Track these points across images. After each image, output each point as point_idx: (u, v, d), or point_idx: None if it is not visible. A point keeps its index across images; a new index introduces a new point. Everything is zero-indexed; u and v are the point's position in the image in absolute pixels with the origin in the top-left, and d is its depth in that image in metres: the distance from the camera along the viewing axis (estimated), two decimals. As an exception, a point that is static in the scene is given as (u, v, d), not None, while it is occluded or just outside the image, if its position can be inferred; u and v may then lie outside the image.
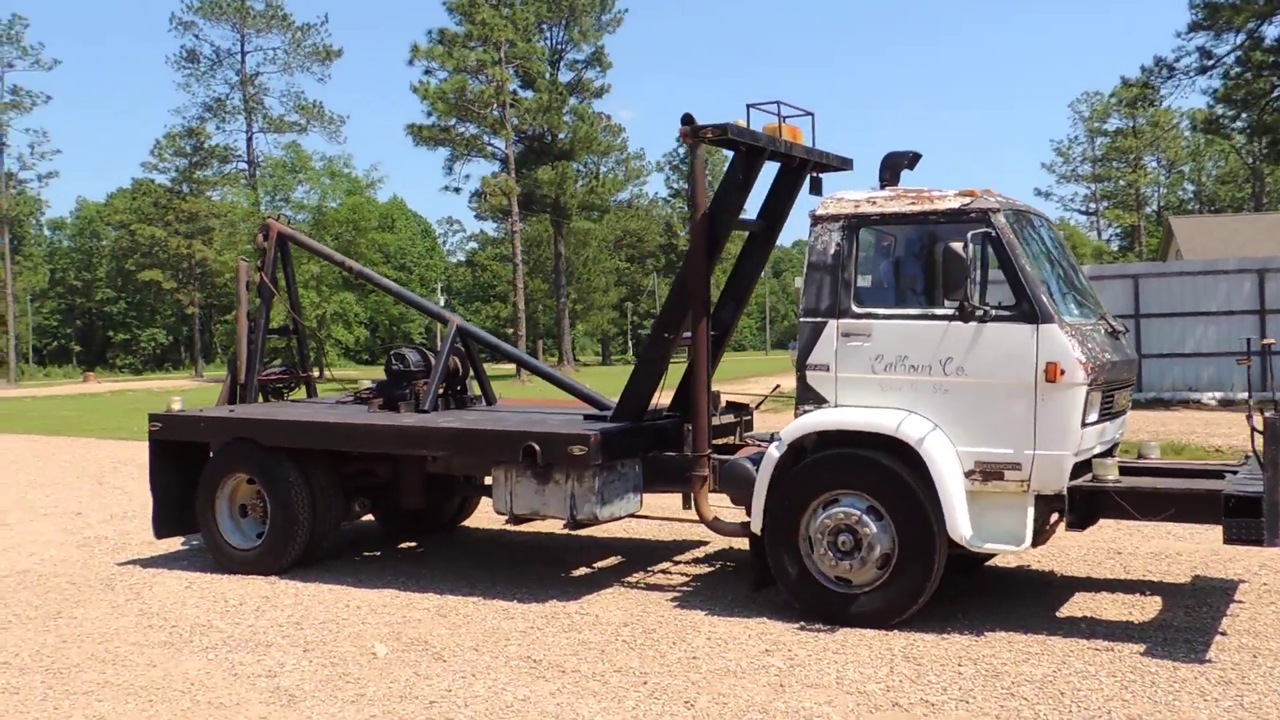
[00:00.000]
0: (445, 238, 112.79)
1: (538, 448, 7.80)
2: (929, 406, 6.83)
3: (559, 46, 56.53)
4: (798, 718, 5.46)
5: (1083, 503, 6.68)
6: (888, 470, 6.85)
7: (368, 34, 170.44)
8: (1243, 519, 6.04)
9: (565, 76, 56.69)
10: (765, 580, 7.48)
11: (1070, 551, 9.03)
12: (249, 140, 65.39)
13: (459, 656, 6.67)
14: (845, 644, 6.62)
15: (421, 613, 7.77)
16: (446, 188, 54.32)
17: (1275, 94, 31.22)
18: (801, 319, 7.27)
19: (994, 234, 6.71)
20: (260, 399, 10.39)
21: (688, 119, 7.78)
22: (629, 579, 8.67)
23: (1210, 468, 7.52)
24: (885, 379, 6.96)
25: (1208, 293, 24.76)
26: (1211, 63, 31.44)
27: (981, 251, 6.76)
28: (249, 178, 63.54)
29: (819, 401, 7.17)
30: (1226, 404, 22.81)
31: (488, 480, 9.42)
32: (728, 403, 9.25)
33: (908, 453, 6.84)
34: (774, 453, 7.20)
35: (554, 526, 10.22)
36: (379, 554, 9.97)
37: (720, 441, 8.49)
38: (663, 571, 8.95)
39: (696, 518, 8.07)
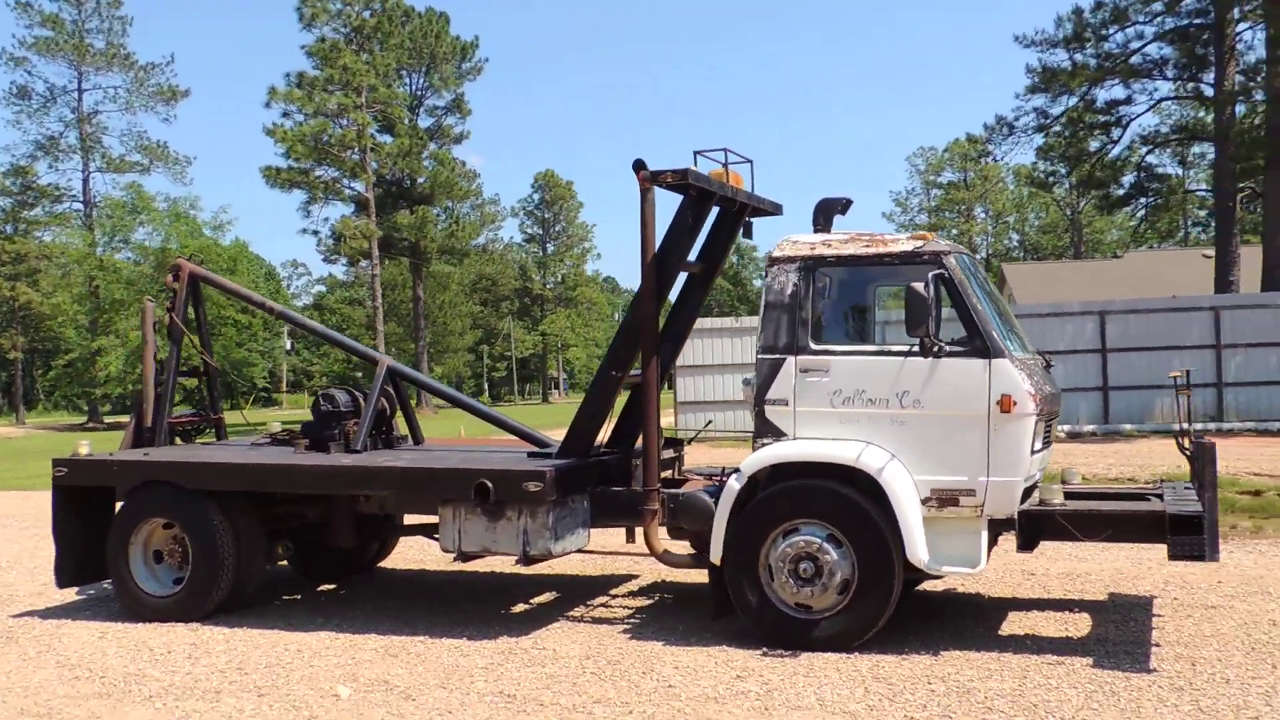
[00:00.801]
0: (290, 280, 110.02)
1: (490, 484, 7.76)
2: (886, 438, 7.12)
3: (419, 92, 56.35)
4: (794, 739, 5.58)
5: (1030, 526, 7.05)
6: (847, 499, 7.09)
7: (215, 75, 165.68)
8: (1185, 537, 6.50)
9: (425, 122, 56.49)
10: (723, 609, 7.61)
11: (988, 575, 9.44)
12: (85, 180, 62.49)
13: (428, 695, 6.56)
14: (813, 668, 6.79)
15: (370, 653, 7.59)
16: (305, 230, 52.93)
17: (1103, 151, 33.47)
18: (760, 356, 7.48)
19: (946, 275, 7.07)
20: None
21: (640, 164, 7.94)
22: (572, 613, 8.66)
23: (1133, 490, 8.00)
24: (843, 412, 7.22)
25: (1054, 332, 26.21)
26: (1048, 122, 33.52)
27: (935, 291, 7.09)
28: (85, 218, 60.64)
29: (777, 435, 7.38)
30: (1074, 436, 24.15)
31: (418, 520, 9.36)
32: (665, 440, 9.37)
33: (866, 482, 7.10)
34: (734, 484, 7.36)
35: (481, 565, 10.18)
36: (299, 597, 9.68)
37: (663, 475, 8.61)
38: (603, 605, 8.97)
39: (645, 551, 8.15)
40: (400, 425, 10.10)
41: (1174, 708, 5.84)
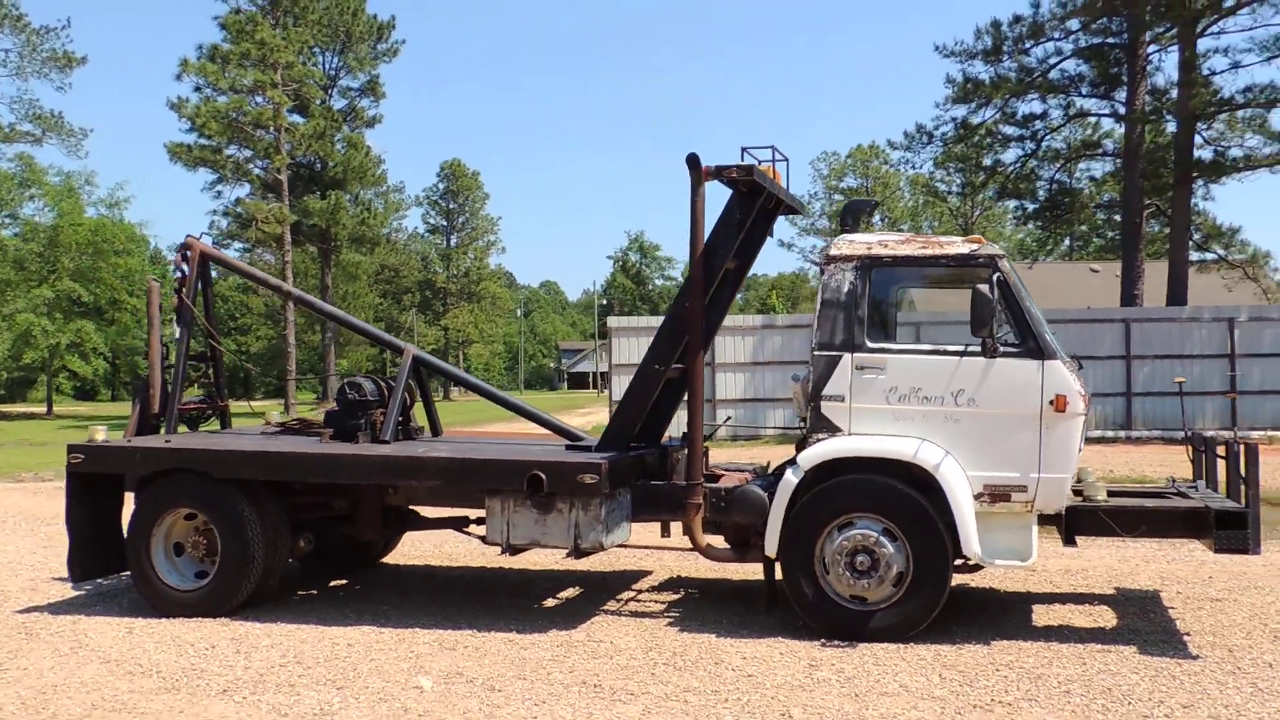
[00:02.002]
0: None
1: (544, 476, 7.83)
2: (940, 434, 7.42)
3: (333, 72, 55.14)
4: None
5: (1076, 521, 7.43)
6: (903, 494, 7.37)
7: (116, 43, 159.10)
8: (1231, 531, 6.95)
9: (338, 104, 55.35)
10: (775, 602, 7.82)
11: (992, 572, 9.83)
12: (-34, 150, 59.44)
13: (510, 686, 6.62)
14: (879, 657, 7.04)
15: (425, 646, 7.59)
16: (215, 212, 51.08)
17: (1022, 163, 34.68)
18: (816, 352, 7.70)
19: (1001, 277, 7.40)
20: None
21: (695, 159, 8.10)
22: (606, 608, 8.76)
23: (1157, 489, 8.43)
24: (898, 409, 7.50)
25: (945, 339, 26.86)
26: (967, 132, 34.55)
27: (998, 294, 7.38)
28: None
29: (832, 430, 7.62)
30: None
31: (440, 513, 9.34)
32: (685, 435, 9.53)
33: (920, 477, 7.38)
34: (791, 478, 7.58)
35: (481, 560, 10.23)
36: (316, 592, 9.57)
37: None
38: (634, 600, 9.09)
39: (689, 545, 8.32)
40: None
41: (1235, 689, 6.26)
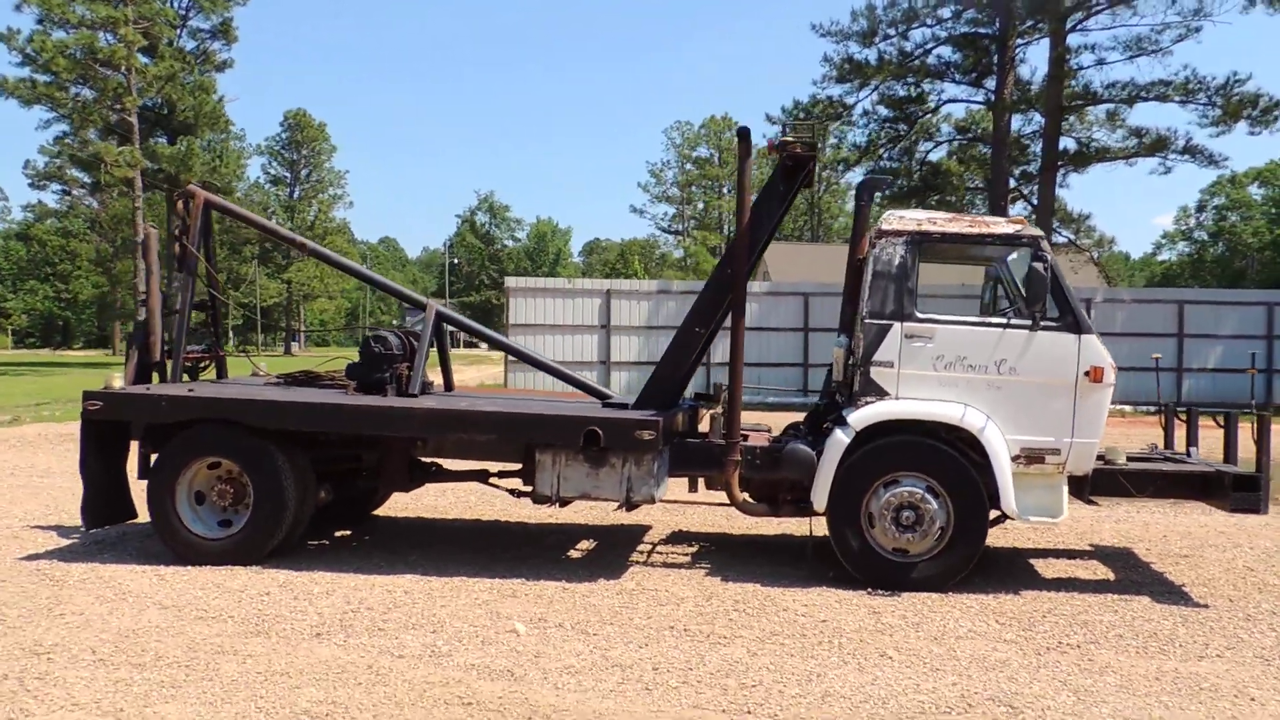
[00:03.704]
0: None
1: (601, 431, 8.05)
2: (982, 400, 7.97)
3: (183, 12, 52.50)
4: (986, 663, 6.33)
5: (1099, 482, 8.12)
6: (947, 455, 7.92)
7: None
8: (1246, 493, 7.77)
9: (187, 45, 52.74)
10: (815, 552, 8.28)
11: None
12: None
13: (601, 630, 6.86)
14: (934, 606, 7.57)
15: (486, 594, 7.73)
16: (60, 154, 48.01)
17: (900, 141, 36.09)
18: (867, 321, 8.14)
19: (1044, 256, 7.98)
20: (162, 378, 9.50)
21: (745, 131, 8.40)
22: (636, 559, 9.03)
23: (1160, 456, 9.13)
24: (944, 376, 8.02)
25: (771, 311, 27.87)
26: (844, 111, 35.74)
27: (1027, 271, 7.98)
28: None
29: (880, 394, 8.09)
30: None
31: (462, 466, 9.42)
32: (696, 394, 9.88)
33: (962, 439, 7.94)
34: (842, 438, 8.02)
35: (463, 512, 10.37)
36: (326, 543, 9.52)
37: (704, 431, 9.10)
38: (657, 553, 9.37)
39: (722, 500, 8.70)
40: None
41: (1261, 634, 7.05)
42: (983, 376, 7.98)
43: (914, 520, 7.90)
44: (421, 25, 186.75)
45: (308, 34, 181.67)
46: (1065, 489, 8.02)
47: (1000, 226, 8.22)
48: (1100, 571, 8.91)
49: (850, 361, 8.46)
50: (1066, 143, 32.12)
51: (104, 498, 8.79)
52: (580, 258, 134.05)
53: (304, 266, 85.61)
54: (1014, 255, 8.92)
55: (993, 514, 8.05)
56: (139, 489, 8.88)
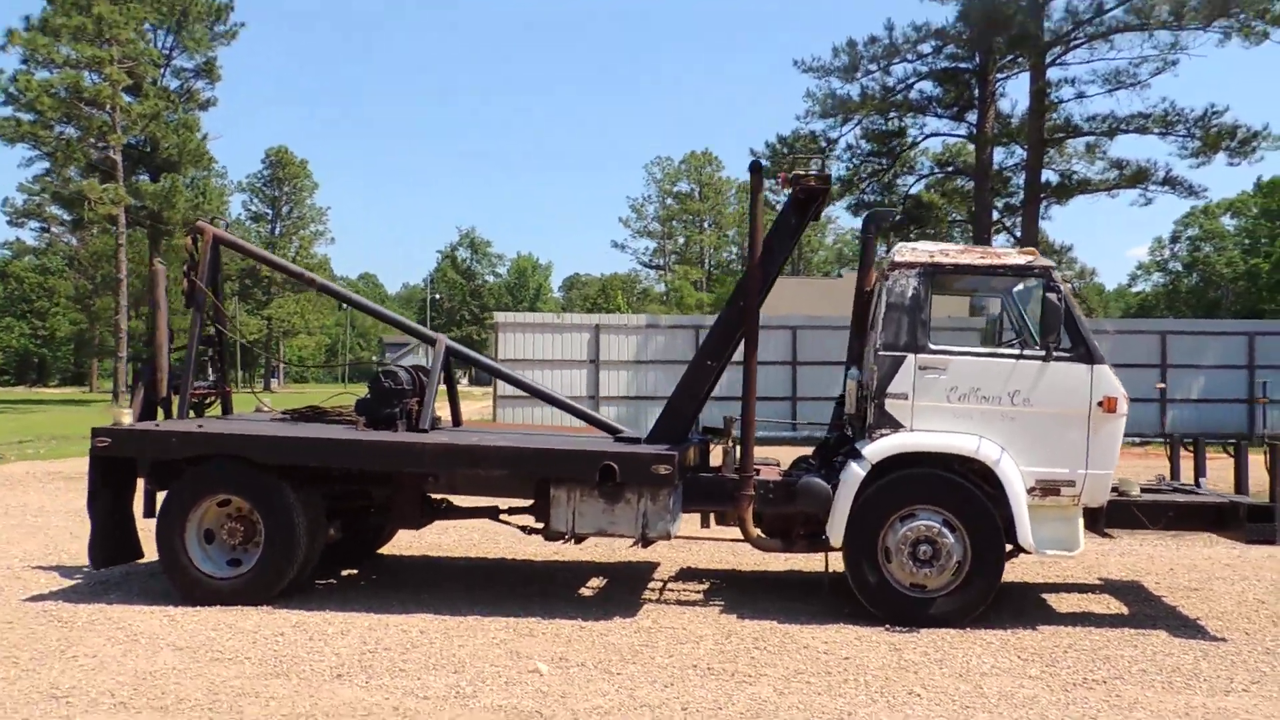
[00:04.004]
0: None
1: (617, 466, 8.02)
2: (997, 432, 7.99)
3: (167, 51, 52.49)
4: (1015, 700, 6.29)
5: (1114, 514, 8.14)
6: (963, 487, 7.92)
7: None
8: (1261, 524, 7.80)
9: (172, 84, 52.74)
10: (832, 588, 8.26)
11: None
12: None
13: (624, 669, 6.79)
14: (954, 642, 7.53)
15: (503, 633, 7.66)
16: (42, 191, 47.85)
17: (880, 176, 36.39)
18: (880, 353, 8.15)
19: (1056, 287, 8.03)
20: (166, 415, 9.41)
21: (758, 165, 8.45)
22: (648, 597, 8.96)
23: (1172, 487, 9.14)
24: (958, 408, 8.03)
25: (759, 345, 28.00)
26: (828, 145, 36.02)
27: (1042, 302, 8.03)
28: None
29: (895, 426, 8.09)
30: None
31: (471, 502, 9.35)
32: (704, 429, 9.86)
33: (977, 471, 7.95)
34: (859, 471, 8.02)
35: (465, 550, 10.30)
36: (334, 582, 9.43)
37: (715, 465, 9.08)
38: (669, 590, 9.31)
39: (735, 536, 8.67)
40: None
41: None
42: (997, 408, 8.00)
43: (931, 555, 7.88)
44: (401, 63, 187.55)
45: (288, 72, 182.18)
46: (1081, 521, 8.03)
47: (1012, 258, 8.28)
48: (1114, 605, 8.91)
49: (862, 394, 8.47)
50: (1048, 175, 32.48)
51: (112, 537, 8.69)
52: (560, 293, 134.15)
53: (284, 303, 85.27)
54: (1019, 286, 8.98)
55: (1007, 548, 8.03)
56: (143, 527, 8.79)
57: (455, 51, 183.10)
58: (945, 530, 7.88)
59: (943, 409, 8.06)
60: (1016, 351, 8.07)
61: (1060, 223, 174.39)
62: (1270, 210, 73.02)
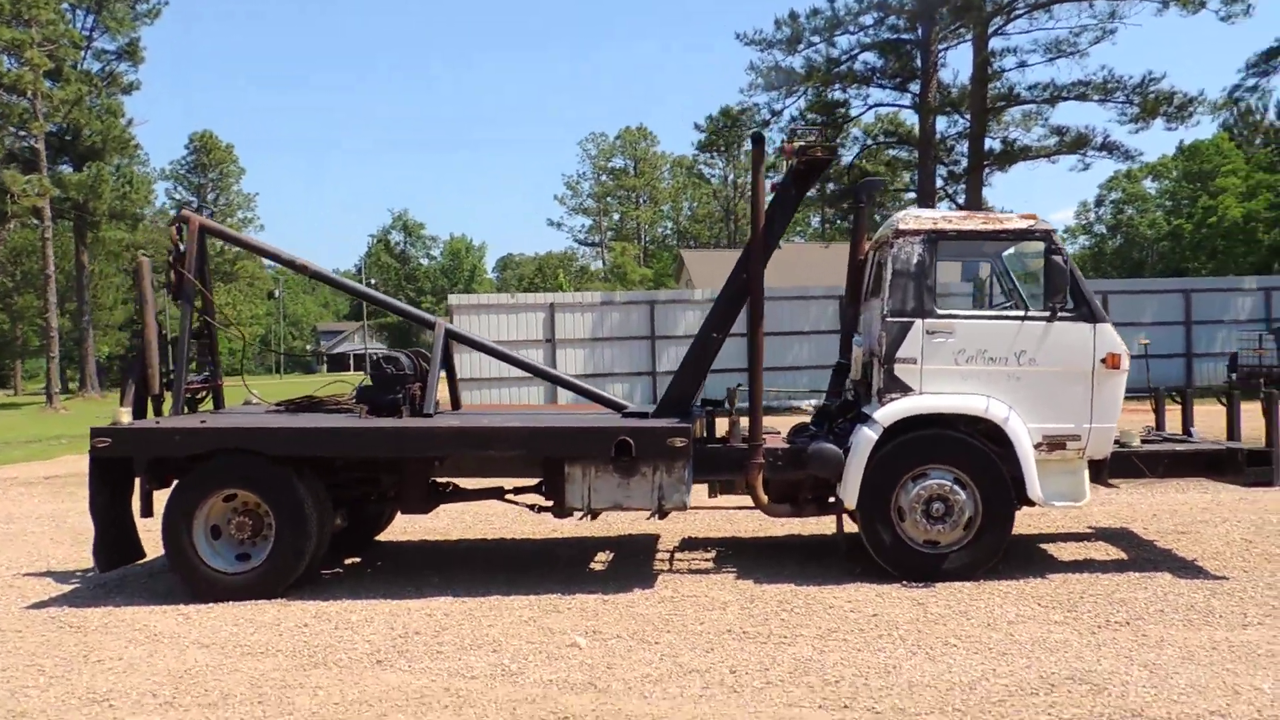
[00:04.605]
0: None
1: (633, 441, 8.07)
2: (1004, 391, 8.16)
3: (87, 33, 50.94)
4: (1048, 644, 6.48)
5: (1117, 464, 8.37)
6: (973, 446, 8.09)
7: None
8: (1260, 467, 8.08)
9: (93, 67, 51.28)
10: (858, 553, 8.40)
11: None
12: None
13: (661, 639, 6.86)
14: (975, 595, 7.71)
15: (528, 611, 7.68)
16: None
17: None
18: (889, 319, 8.27)
19: (1057, 249, 8.20)
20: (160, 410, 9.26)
21: (760, 136, 8.52)
22: (659, 568, 9.04)
23: (1170, 437, 9.40)
24: (965, 370, 8.19)
25: (799, 315, 28.60)
26: (774, 116, 36.19)
27: (1045, 264, 8.20)
28: None
29: (904, 390, 8.23)
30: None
31: (478, 484, 9.34)
32: (704, 401, 9.93)
33: (986, 429, 8.12)
34: (871, 434, 8.15)
35: (456, 533, 10.31)
36: (340, 571, 9.37)
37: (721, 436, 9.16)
38: (678, 560, 9.39)
39: (747, 504, 8.77)
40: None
41: (1283, 599, 7.34)
42: (1003, 368, 8.17)
43: (944, 511, 8.05)
44: (328, 42, 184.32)
45: (211, 56, 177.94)
46: (1086, 473, 8.25)
47: (1013, 222, 8.43)
48: (1112, 552, 9.17)
49: (868, 360, 8.60)
50: (991, 143, 32.99)
51: (115, 538, 8.54)
52: (494, 274, 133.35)
53: (216, 294, 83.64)
54: (1010, 250, 9.16)
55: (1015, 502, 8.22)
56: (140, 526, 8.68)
57: (381, 30, 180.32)
58: (957, 487, 8.04)
59: (951, 371, 8.21)
60: (1021, 313, 8.24)
61: (1000, 189, 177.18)
62: (1191, 173, 74.86)
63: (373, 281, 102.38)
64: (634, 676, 6.11)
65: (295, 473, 8.24)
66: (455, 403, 10.09)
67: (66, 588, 9.04)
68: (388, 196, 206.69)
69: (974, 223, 8.45)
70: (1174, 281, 33.27)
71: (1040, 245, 8.28)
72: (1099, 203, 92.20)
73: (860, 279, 9.72)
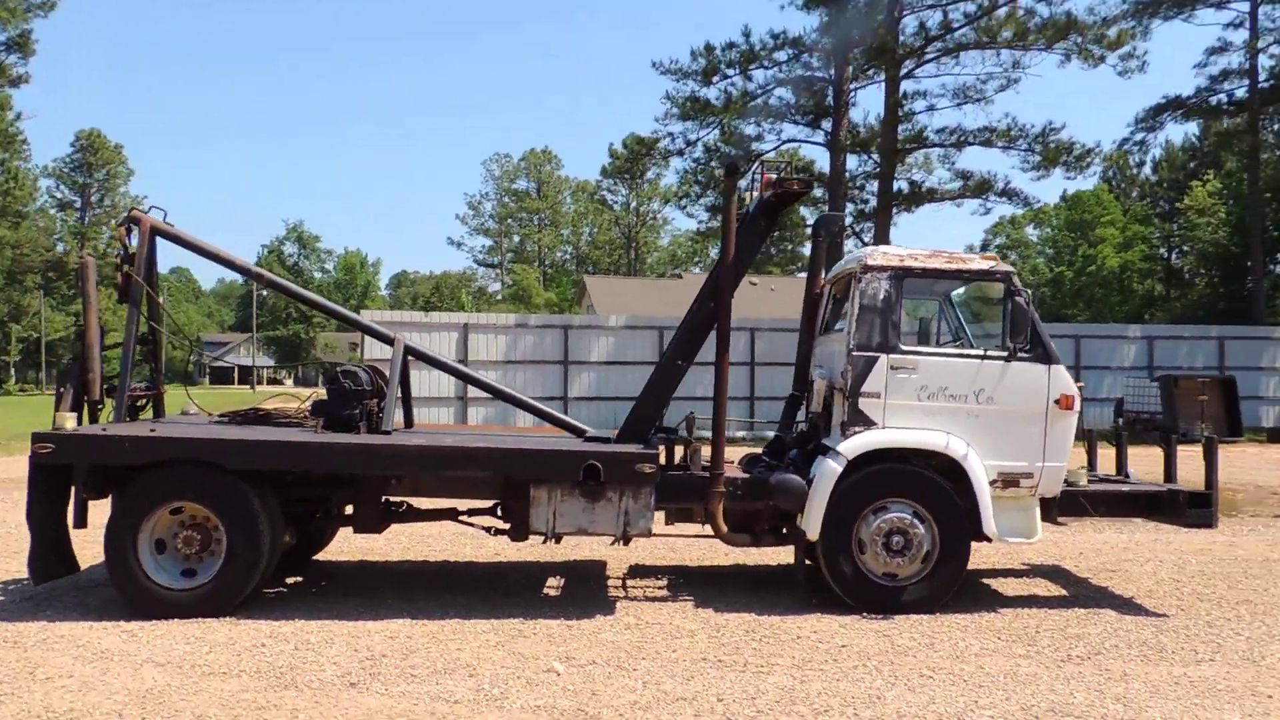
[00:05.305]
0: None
1: (600, 465, 8.04)
2: (962, 428, 8.38)
3: (-25, 25, 48.89)
4: (1019, 677, 6.64)
5: (1065, 503, 8.65)
6: (931, 481, 8.28)
7: None
8: (1200, 510, 8.45)
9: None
10: (813, 584, 8.50)
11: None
12: None
13: (637, 665, 6.84)
14: (932, 628, 7.87)
15: (492, 635, 7.57)
16: None
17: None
18: (854, 353, 8.42)
19: (1016, 291, 8.47)
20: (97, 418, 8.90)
21: (734, 168, 8.63)
22: (615, 595, 9.00)
23: (1112, 478, 9.75)
24: (927, 405, 8.39)
25: (628, 345, 28.55)
26: (688, 146, 36.62)
27: (1004, 305, 8.48)
28: None
29: (868, 424, 8.38)
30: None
31: (432, 505, 9.19)
32: (661, 429, 9.95)
33: (944, 465, 8.33)
34: (835, 467, 8.27)
35: (394, 554, 10.16)
36: (284, 590, 9.10)
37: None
38: (633, 588, 9.34)
39: (705, 532, 8.82)
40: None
41: (1233, 639, 7.69)
42: (963, 405, 8.39)
43: (903, 545, 8.21)
44: (226, 46, 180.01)
45: (106, 50, 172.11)
46: (1038, 510, 8.50)
47: (976, 263, 8.68)
48: (1052, 588, 9.46)
49: (829, 393, 8.74)
50: (899, 184, 33.87)
51: (53, 549, 8.16)
52: (388, 290, 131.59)
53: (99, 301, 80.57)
54: (959, 290, 9.44)
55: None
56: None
57: (283, 38, 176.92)
58: (916, 521, 8.21)
59: (913, 407, 8.39)
60: (981, 352, 8.47)
61: (904, 229, 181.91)
62: (1073, 222, 78.00)
63: (264, 293, 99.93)
64: (622, 704, 6.07)
65: (252, 487, 7.99)
66: (408, 421, 9.92)
67: (-10, 601, 8.59)
68: (279, 206, 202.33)
69: (939, 261, 8.68)
70: (1066, 327, 34.52)
71: (1000, 286, 8.54)
72: (984, 247, 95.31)
73: (815, 312, 9.89)
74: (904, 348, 8.46)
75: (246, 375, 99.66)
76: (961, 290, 9.54)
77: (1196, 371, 29.45)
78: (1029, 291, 8.57)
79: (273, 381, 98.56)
